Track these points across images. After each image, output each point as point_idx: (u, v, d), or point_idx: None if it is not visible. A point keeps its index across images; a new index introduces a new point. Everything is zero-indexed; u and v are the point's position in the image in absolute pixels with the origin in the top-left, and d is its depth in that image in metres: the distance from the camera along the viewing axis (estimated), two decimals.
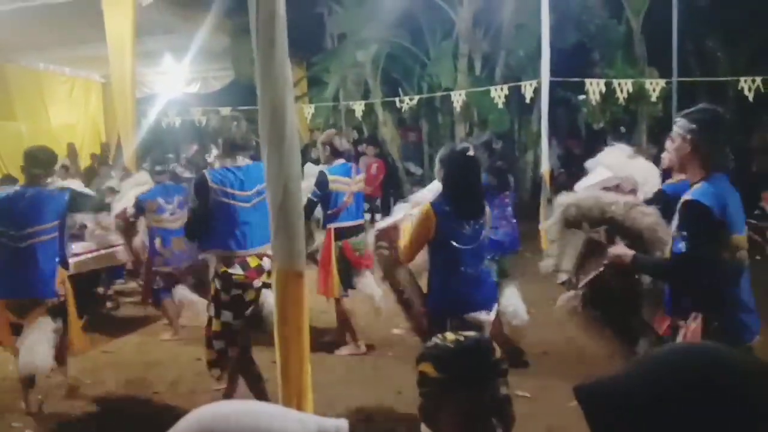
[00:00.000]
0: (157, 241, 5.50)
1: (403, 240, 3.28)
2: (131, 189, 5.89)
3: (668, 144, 2.70)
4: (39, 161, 4.18)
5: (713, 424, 0.71)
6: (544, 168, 7.94)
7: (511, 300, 4.68)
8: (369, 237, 4.05)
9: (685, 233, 2.44)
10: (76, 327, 4.41)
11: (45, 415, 4.08)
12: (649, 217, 2.80)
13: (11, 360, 4.86)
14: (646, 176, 3.62)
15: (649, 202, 3.06)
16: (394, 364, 4.82)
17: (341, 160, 5.03)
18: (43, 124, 10.56)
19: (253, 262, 3.66)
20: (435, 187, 3.76)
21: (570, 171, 11.68)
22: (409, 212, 3.51)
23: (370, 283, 4.95)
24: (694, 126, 2.50)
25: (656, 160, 4.68)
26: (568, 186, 11.13)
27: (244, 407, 0.98)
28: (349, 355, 4.99)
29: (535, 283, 7.21)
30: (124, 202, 5.84)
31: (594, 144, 12.32)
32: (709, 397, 0.72)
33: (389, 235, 3.53)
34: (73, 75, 11.33)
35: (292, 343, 1.96)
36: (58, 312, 4.14)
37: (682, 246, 2.45)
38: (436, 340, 1.49)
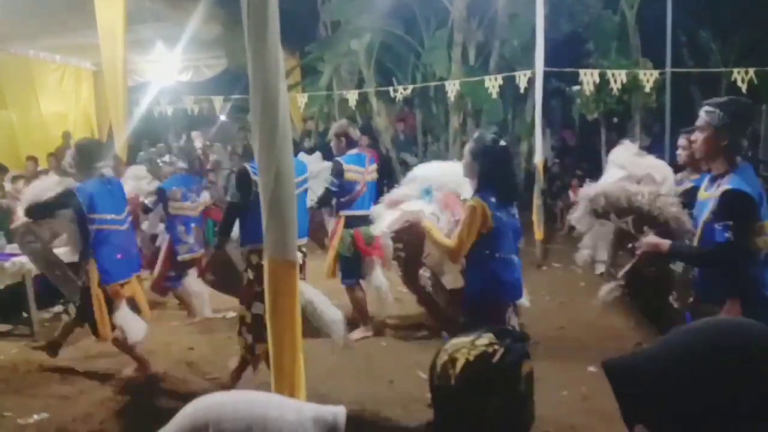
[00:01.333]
0: (181, 229, 5.56)
1: (453, 239, 3.15)
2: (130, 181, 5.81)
3: (696, 135, 2.68)
4: (97, 154, 4.45)
5: (741, 400, 0.71)
6: (538, 158, 7.93)
7: None
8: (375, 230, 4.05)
9: (729, 222, 2.46)
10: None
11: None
12: (675, 206, 2.87)
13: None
14: (664, 174, 3.68)
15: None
16: (387, 353, 4.84)
17: (355, 150, 5.11)
18: (33, 112, 10.43)
19: None
20: (411, 186, 3.80)
21: (563, 162, 11.70)
22: (412, 209, 3.45)
23: (379, 275, 5.05)
24: (725, 117, 2.51)
25: (648, 151, 4.69)
26: (562, 177, 11.08)
27: (240, 396, 0.98)
28: (361, 337, 5.09)
29: (530, 273, 7.26)
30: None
31: (588, 134, 12.37)
32: (737, 374, 0.72)
33: (406, 235, 3.52)
34: (64, 63, 11.21)
35: (284, 333, 1.94)
36: None
37: (726, 235, 2.47)
38: (496, 339, 1.25)
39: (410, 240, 3.50)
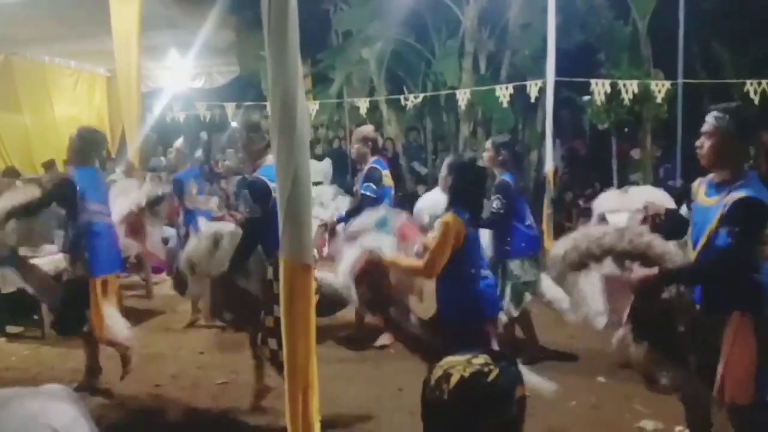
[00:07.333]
0: (203, 223, 5.32)
1: (427, 257, 3.09)
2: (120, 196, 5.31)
3: (703, 140, 2.63)
4: (90, 144, 4.39)
5: None
6: (548, 168, 7.91)
7: (555, 290, 4.53)
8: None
9: (736, 229, 2.40)
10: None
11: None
12: (643, 236, 2.75)
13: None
14: (654, 197, 3.69)
15: (667, 219, 3.00)
16: (396, 361, 4.83)
17: (377, 157, 4.97)
18: (47, 116, 10.55)
19: None
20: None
21: (573, 171, 11.67)
22: (371, 245, 3.25)
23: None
24: (732, 122, 2.51)
25: (659, 162, 4.65)
26: (572, 186, 10.92)
27: None
28: (386, 344, 4.98)
29: None
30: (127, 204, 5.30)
31: (598, 145, 12.32)
32: None
33: (369, 276, 3.26)
34: (78, 68, 11.34)
35: (299, 335, 1.96)
36: None
37: (729, 240, 2.41)
38: (491, 360, 1.26)
39: (373, 280, 3.28)
